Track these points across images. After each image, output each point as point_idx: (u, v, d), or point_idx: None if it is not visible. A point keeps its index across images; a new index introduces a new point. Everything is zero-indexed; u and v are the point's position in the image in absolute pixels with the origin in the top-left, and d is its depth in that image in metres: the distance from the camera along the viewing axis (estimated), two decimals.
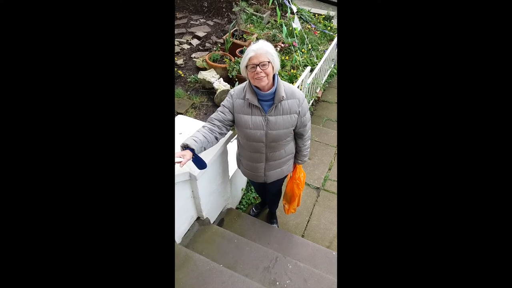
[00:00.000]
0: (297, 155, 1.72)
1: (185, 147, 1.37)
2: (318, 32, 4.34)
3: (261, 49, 1.32)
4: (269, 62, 1.33)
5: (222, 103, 1.51)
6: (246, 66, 1.36)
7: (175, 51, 4.09)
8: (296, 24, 3.58)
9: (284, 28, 3.57)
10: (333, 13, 4.99)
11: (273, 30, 4.03)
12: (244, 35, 3.89)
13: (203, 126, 1.48)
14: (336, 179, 2.57)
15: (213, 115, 1.51)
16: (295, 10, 3.71)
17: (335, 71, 4.08)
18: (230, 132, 1.69)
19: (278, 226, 2.24)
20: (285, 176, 1.81)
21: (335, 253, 1.98)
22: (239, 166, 1.81)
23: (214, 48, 4.05)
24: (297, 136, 1.61)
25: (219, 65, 3.50)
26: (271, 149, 1.55)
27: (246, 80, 1.46)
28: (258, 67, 1.32)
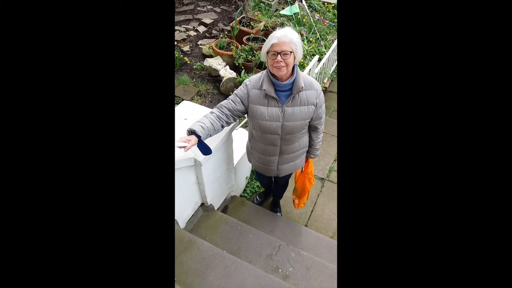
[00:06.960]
0: (310, 149, 1.68)
1: (191, 132, 1.36)
2: (327, 21, 4.26)
3: (285, 37, 1.25)
4: (291, 52, 1.26)
5: (235, 91, 1.45)
6: (267, 52, 1.30)
7: (182, 38, 4.04)
8: (296, 9, 3.48)
9: (291, 8, 3.47)
10: None
11: (281, 18, 3.96)
12: (251, 22, 3.83)
13: (211, 112, 1.45)
14: None
15: (223, 102, 1.46)
16: None
17: None
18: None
19: (281, 215, 2.25)
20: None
21: None
22: (249, 160, 1.76)
23: (221, 35, 3.99)
24: (311, 129, 1.56)
25: (226, 52, 3.46)
26: (286, 142, 1.51)
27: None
28: (279, 55, 1.25)
